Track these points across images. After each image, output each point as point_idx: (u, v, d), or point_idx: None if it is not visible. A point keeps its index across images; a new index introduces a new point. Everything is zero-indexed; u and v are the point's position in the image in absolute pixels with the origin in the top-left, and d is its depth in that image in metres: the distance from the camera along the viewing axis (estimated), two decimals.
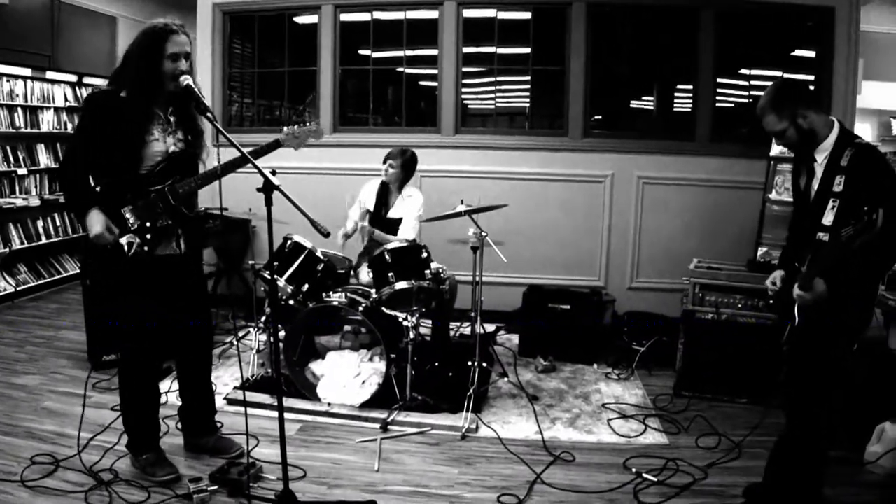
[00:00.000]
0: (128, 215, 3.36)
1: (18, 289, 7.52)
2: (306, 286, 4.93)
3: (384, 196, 5.56)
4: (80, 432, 3.98)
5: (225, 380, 5.22)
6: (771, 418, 4.12)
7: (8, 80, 7.61)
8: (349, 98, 6.92)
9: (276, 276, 4.90)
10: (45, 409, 4.63)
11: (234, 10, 6.88)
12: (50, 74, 8.26)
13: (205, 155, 3.69)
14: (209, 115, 3.28)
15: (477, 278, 4.97)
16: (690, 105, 6.46)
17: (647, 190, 6.36)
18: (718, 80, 6.31)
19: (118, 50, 9.81)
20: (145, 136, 3.37)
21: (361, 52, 6.82)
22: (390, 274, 4.73)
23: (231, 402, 4.76)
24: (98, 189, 3.38)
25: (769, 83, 3.35)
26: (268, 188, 3.02)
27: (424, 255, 4.82)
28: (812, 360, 3.18)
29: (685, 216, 6.36)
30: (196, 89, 3.31)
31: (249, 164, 3.16)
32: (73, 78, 8.53)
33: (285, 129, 3.80)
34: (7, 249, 7.42)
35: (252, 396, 4.69)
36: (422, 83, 6.86)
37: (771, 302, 3.57)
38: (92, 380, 5.07)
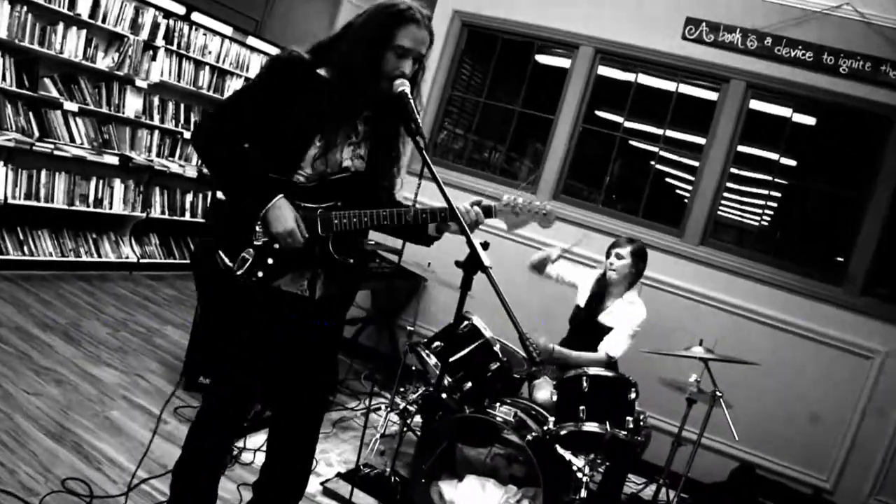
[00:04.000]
0: (258, 227, 2.64)
1: (141, 260, 7.02)
2: (469, 384, 4.05)
3: (601, 294, 4.62)
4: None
5: (331, 457, 4.37)
6: None
7: (204, 34, 7.28)
8: (581, 164, 5.94)
9: (430, 354, 4.14)
10: (108, 419, 4.03)
11: (476, 22, 6.10)
12: (251, 41, 7.90)
13: (398, 186, 2.93)
14: (419, 139, 2.53)
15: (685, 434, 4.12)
16: None
17: None
18: None
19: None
20: (330, 138, 2.63)
21: (605, 114, 5.90)
22: (581, 407, 3.82)
23: (327, 492, 3.94)
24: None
25: None
26: (472, 265, 2.37)
27: (633, 395, 3.90)
28: None
29: None
30: (412, 102, 2.55)
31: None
32: (275, 50, 7.99)
33: (505, 197, 2.86)
34: (144, 214, 6.91)
35: (356, 495, 3.90)
36: (674, 172, 5.79)
37: None
38: (175, 401, 4.36)
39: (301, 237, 2.56)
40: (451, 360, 4.06)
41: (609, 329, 4.47)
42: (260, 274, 2.62)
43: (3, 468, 3.23)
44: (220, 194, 2.83)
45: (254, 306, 2.68)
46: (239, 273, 2.60)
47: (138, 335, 5.40)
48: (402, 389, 4.84)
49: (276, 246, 2.62)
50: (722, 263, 5.34)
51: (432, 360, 4.09)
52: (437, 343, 4.21)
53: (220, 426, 2.85)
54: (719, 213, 5.52)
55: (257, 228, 2.62)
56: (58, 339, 4.85)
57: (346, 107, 2.63)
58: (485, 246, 2.38)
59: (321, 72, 2.62)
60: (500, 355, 4.09)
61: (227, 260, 2.61)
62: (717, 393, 3.97)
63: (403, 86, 2.54)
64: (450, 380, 4.03)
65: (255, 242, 2.62)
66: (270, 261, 2.63)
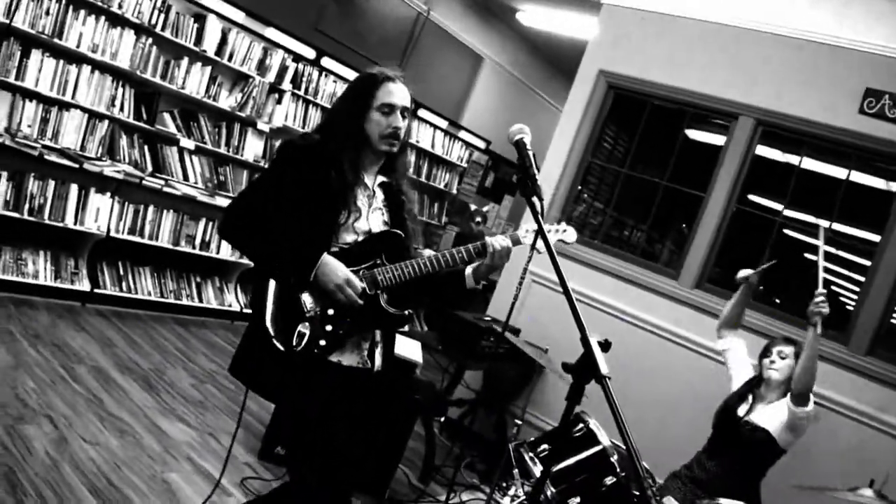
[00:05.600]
0: (305, 299, 2.56)
1: (244, 310, 6.69)
2: (577, 499, 3.43)
3: (750, 394, 3.86)
4: None
5: None
6: None
7: (334, 81, 7.12)
8: (728, 251, 5.23)
9: (534, 459, 3.56)
10: (165, 482, 3.57)
11: (623, 84, 5.55)
12: None
13: (418, 246, 2.98)
14: (536, 199, 2.30)
15: None
16: None
17: None
18: None
19: (471, 96, 9.12)
20: (351, 207, 2.66)
21: (758, 198, 5.22)
22: None
23: None
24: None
25: None
26: (585, 371, 1.84)
27: None
28: None
29: None
30: (531, 152, 2.38)
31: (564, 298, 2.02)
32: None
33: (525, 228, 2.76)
34: (253, 263, 6.56)
35: None
36: (838, 269, 5.04)
37: None
38: (245, 470, 3.96)
39: (358, 286, 2.53)
40: (557, 468, 3.47)
41: (757, 428, 3.68)
42: (322, 343, 2.52)
43: None
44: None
45: (319, 388, 2.57)
46: (299, 349, 2.48)
47: (224, 391, 4.97)
48: (503, 485, 4.25)
49: (331, 312, 2.56)
50: (893, 379, 4.50)
51: (536, 467, 3.48)
52: (543, 446, 3.61)
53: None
54: (891, 321, 4.69)
55: (306, 302, 2.56)
56: (135, 385, 4.50)
57: (352, 172, 2.64)
58: (605, 347, 1.86)
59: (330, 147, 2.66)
60: (618, 469, 3.46)
61: (279, 344, 2.50)
62: None
63: (522, 133, 2.38)
64: (553, 491, 3.42)
65: (308, 314, 2.54)
66: (329, 328, 2.55)
